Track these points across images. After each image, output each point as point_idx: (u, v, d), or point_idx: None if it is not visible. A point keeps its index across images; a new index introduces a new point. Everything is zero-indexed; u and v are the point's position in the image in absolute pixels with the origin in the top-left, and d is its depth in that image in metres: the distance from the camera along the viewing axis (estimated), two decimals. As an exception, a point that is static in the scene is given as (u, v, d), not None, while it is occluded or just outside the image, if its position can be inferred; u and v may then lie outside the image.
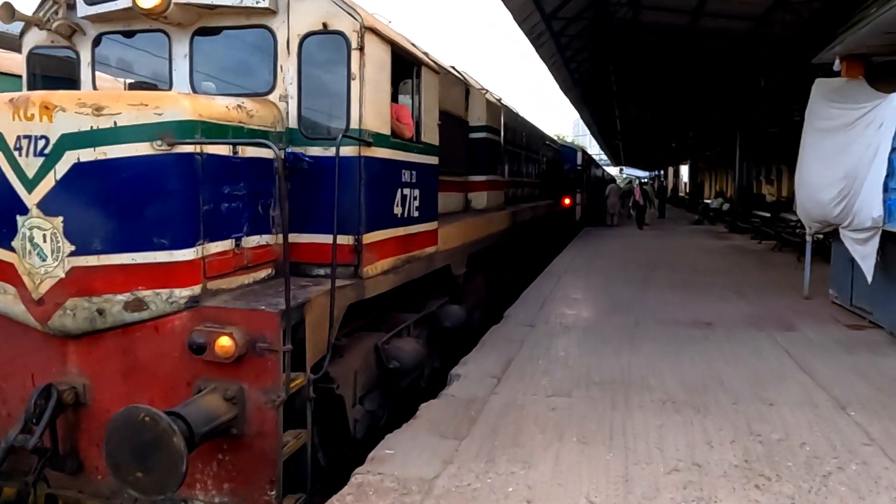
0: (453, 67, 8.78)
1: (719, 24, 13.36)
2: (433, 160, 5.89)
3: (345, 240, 4.34)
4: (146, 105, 3.50)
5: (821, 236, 12.28)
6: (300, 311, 3.72)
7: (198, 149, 3.57)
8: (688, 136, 29.38)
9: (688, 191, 48.83)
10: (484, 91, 9.13)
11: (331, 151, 4.31)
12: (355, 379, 4.65)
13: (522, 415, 4.35)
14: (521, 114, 14.12)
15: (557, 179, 20.65)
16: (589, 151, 32.01)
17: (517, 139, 12.76)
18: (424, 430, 4.16)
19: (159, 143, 3.45)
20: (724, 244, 16.06)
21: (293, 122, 4.40)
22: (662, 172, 61.26)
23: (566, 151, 22.31)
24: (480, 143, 8.89)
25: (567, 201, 21.89)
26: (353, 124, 4.32)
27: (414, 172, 5.34)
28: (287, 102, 4.41)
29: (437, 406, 4.62)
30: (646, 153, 53.68)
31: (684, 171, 54.69)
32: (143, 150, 3.45)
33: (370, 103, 4.41)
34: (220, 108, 3.83)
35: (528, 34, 13.98)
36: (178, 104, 3.57)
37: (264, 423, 3.43)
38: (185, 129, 3.52)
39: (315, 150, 4.35)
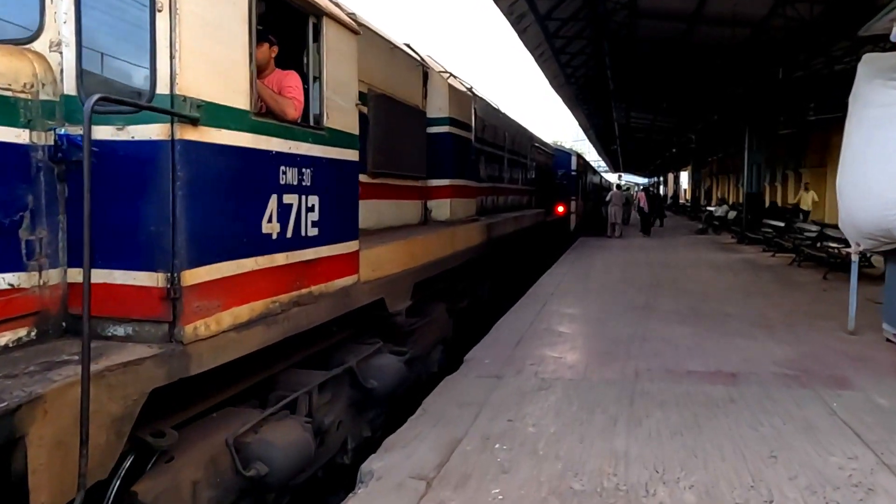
0: (408, 45, 7.09)
1: (730, 9, 11.69)
2: (348, 155, 4.17)
3: (147, 279, 2.62)
4: None
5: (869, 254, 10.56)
6: (11, 422, 2.01)
7: None
8: (689, 139, 27.71)
9: (688, 198, 47.22)
10: (446, 74, 7.44)
11: (128, 134, 2.62)
12: (193, 497, 2.92)
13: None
14: (505, 111, 12.45)
15: (550, 186, 18.97)
16: (586, 157, 30.33)
17: (497, 138, 11.07)
18: None
19: None
20: (734, 258, 14.33)
21: (70, 86, 2.69)
22: (662, 179, 59.71)
23: (560, 156, 20.65)
24: (443, 139, 7.18)
25: (561, 209, 20.24)
26: (161, 87, 2.59)
27: (308, 171, 3.62)
28: (62, 53, 2.70)
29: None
30: (645, 158, 52.08)
31: (684, 177, 53.12)
32: None
33: (197, 54, 2.69)
34: None
35: (507, 14, 12.23)
36: None
37: None
38: None
39: (105, 132, 2.64)
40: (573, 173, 21.16)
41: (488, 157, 10.33)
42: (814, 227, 13.37)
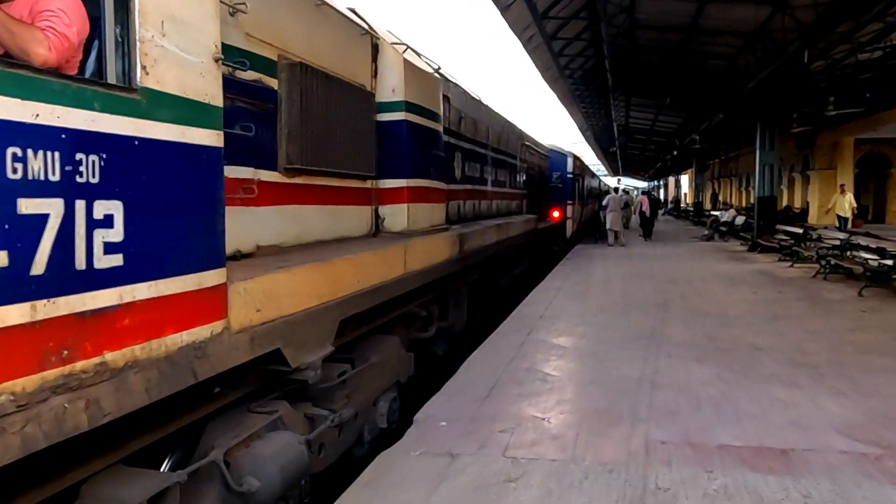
0: (352, 10, 5.60)
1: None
2: (197, 137, 2.65)
3: None
4: None
5: (889, 262, 9.08)
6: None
7: None
8: (693, 140, 26.24)
9: (688, 202, 45.81)
10: (402, 48, 5.94)
11: None
12: None
13: None
14: (490, 105, 10.96)
15: (544, 190, 17.49)
16: (585, 161, 28.87)
17: (479, 134, 9.58)
18: None
19: None
20: (748, 269, 12.82)
21: None
22: (663, 182, 58.38)
23: (555, 157, 19.15)
24: (396, 128, 5.68)
25: (556, 215, 18.76)
26: None
27: (91, 160, 2.11)
28: None
29: None
30: (645, 161, 50.69)
31: (685, 181, 51.76)
32: None
33: None
34: None
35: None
36: None
37: None
38: None
39: None
40: (570, 176, 19.67)
41: (467, 155, 8.84)
42: (839, 234, 11.88)
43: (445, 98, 7.79)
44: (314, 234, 4.61)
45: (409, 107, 5.73)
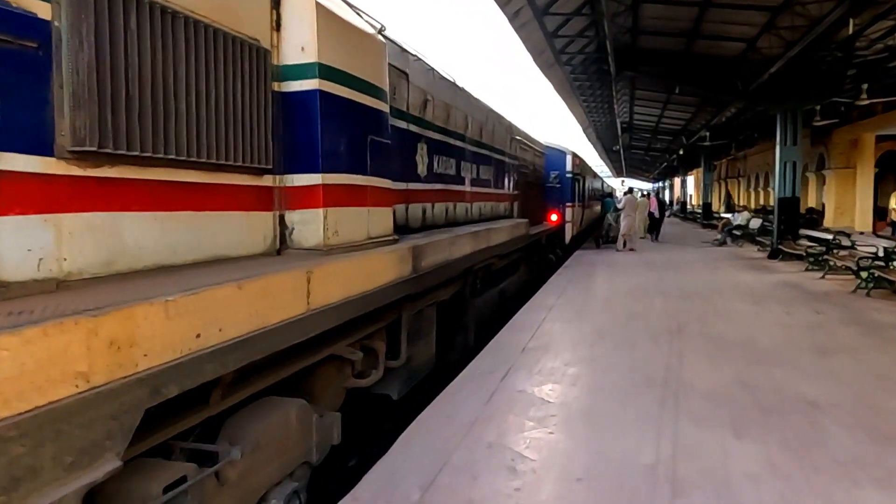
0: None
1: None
2: None
3: None
4: None
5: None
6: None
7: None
8: (703, 137, 24.52)
9: (695, 203, 44.08)
10: (316, -11, 4.28)
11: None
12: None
13: None
14: (470, 91, 9.31)
15: (539, 190, 15.83)
16: (587, 160, 27.18)
17: (452, 122, 7.94)
18: None
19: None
20: (772, 281, 11.13)
21: None
22: (668, 183, 56.68)
23: (552, 155, 17.47)
24: (307, 102, 4.03)
25: (555, 218, 17.10)
26: None
27: None
28: None
29: None
30: (650, 161, 48.93)
31: (691, 181, 50.01)
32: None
33: None
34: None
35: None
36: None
37: None
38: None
39: None
40: (569, 175, 18.00)
41: (436, 148, 7.20)
42: (883, 242, 10.19)
43: (402, 74, 6.17)
44: (150, 255, 2.97)
45: (325, 72, 4.07)
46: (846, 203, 25.30)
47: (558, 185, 17.23)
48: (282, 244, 4.04)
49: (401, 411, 5.54)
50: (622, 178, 68.26)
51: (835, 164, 25.43)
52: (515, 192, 12.44)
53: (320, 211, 4.05)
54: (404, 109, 6.23)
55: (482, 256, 8.06)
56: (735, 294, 9.61)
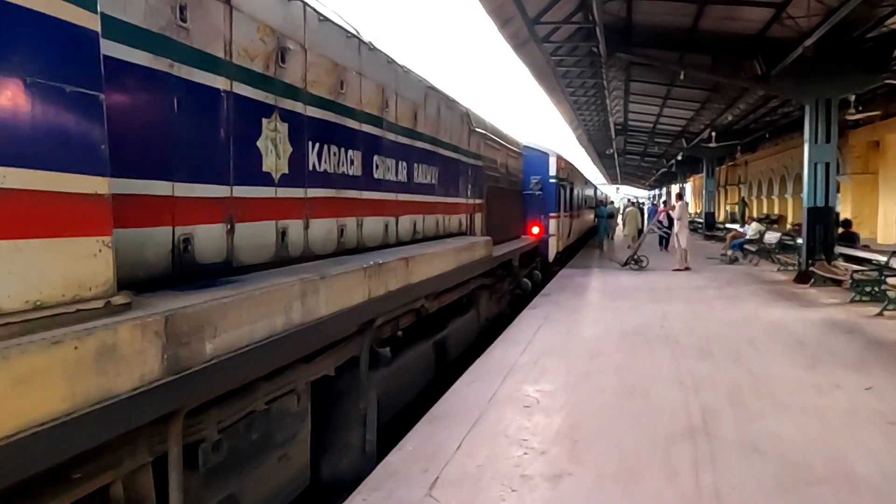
0: None
1: None
2: None
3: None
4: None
5: None
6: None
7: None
8: (709, 138, 21.82)
9: (697, 210, 41.35)
10: None
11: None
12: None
13: None
14: (399, 60, 6.52)
15: (513, 199, 13.07)
16: (581, 170, 24.43)
17: (354, 94, 5.13)
18: None
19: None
20: (814, 319, 8.34)
21: None
22: (666, 191, 54.09)
23: (531, 156, 14.71)
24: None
25: (536, 231, 14.34)
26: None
27: None
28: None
29: None
30: (646, 168, 46.30)
31: (689, 189, 47.31)
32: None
33: None
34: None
35: None
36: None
37: None
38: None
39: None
40: (552, 181, 15.26)
41: (320, 132, 4.41)
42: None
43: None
44: None
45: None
46: (864, 212, 22.73)
47: (540, 193, 14.49)
48: None
49: None
50: (617, 186, 65.66)
51: (851, 170, 22.81)
52: (477, 202, 9.66)
53: None
54: (220, 56, 3.43)
55: (397, 301, 5.24)
56: (773, 345, 6.81)
